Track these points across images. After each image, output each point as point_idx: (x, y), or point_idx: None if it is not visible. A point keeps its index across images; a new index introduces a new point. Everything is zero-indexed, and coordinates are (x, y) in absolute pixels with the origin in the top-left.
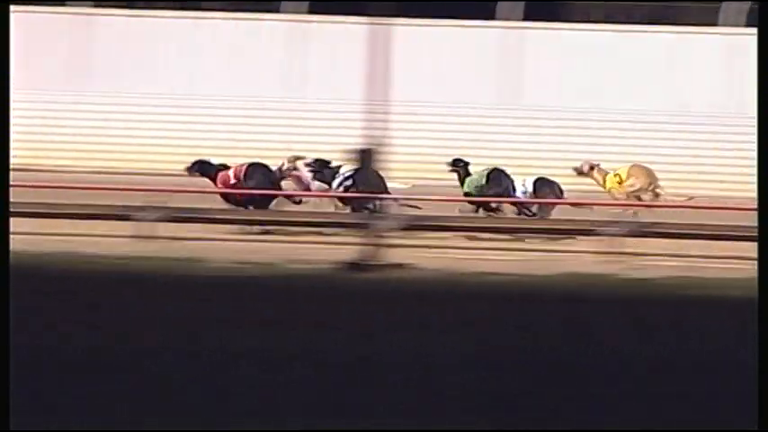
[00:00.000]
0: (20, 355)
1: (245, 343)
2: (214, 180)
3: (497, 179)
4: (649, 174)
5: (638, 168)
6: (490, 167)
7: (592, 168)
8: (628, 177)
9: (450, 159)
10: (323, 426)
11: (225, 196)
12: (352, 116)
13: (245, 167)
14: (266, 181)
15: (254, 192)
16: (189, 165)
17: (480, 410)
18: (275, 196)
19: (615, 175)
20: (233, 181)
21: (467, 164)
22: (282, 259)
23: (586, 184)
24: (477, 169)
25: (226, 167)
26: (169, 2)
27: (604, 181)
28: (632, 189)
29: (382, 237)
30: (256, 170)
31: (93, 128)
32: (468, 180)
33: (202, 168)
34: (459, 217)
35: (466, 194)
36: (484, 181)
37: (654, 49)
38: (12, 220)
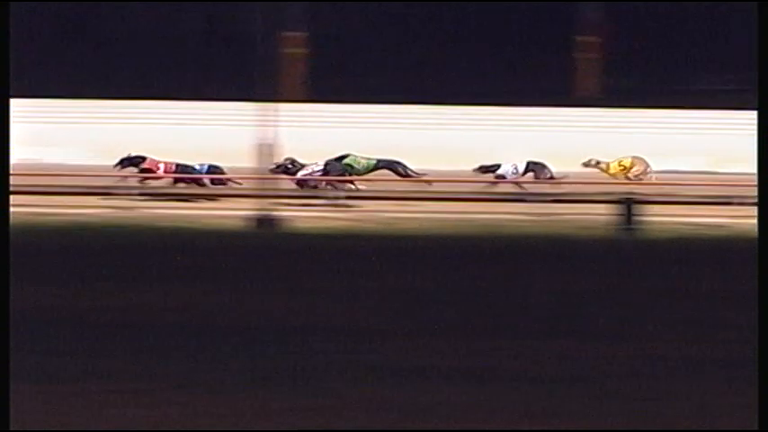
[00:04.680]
0: None
1: None
2: None
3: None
4: (645, 162)
5: (637, 158)
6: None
7: (598, 163)
8: (632, 165)
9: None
10: None
11: None
12: None
13: None
14: None
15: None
16: None
17: None
18: None
19: (620, 165)
20: None
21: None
22: None
23: None
24: None
25: None
26: None
27: (608, 168)
28: (637, 173)
29: None
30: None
31: None
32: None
33: None
34: None
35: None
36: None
37: None
38: None
